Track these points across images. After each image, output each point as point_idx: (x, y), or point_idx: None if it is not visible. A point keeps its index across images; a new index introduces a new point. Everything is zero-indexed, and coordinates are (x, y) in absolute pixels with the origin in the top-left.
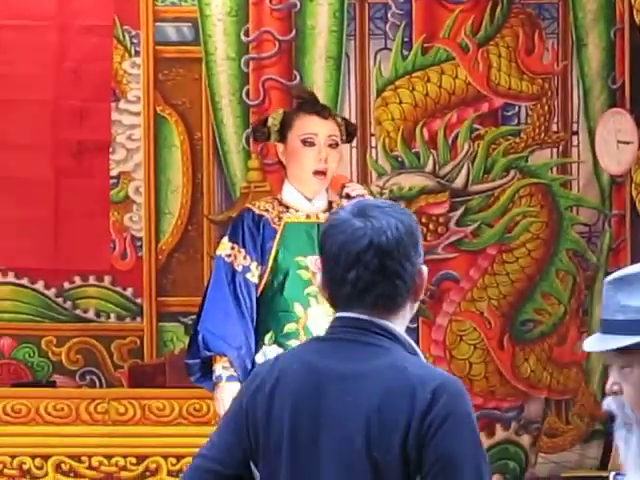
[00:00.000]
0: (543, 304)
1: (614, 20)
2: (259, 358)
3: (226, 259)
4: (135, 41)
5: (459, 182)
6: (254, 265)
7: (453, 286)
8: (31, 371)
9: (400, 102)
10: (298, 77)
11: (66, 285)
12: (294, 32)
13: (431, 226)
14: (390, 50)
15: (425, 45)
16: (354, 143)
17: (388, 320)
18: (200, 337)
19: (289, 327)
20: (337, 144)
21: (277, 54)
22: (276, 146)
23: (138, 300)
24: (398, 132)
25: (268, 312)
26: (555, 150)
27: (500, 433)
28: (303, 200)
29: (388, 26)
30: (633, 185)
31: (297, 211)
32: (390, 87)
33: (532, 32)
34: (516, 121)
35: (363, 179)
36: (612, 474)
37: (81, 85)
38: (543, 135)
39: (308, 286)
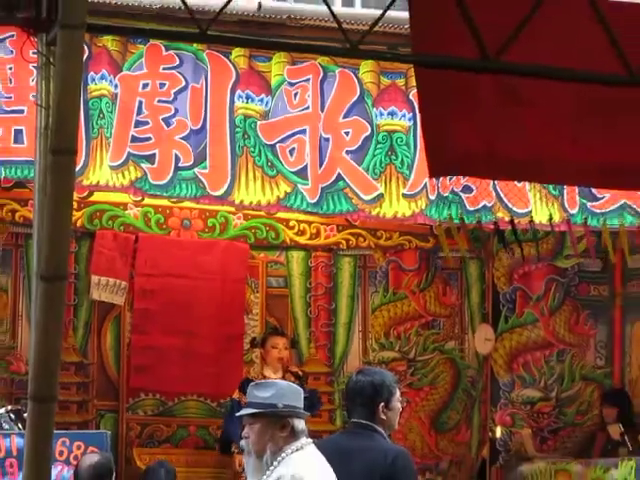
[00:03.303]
0: (450, 414)
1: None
2: None
3: (236, 399)
4: (256, 286)
5: (411, 355)
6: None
7: (406, 406)
8: (204, 442)
9: (382, 317)
10: (334, 305)
11: (221, 401)
12: (332, 283)
13: (397, 376)
14: (378, 292)
15: (394, 290)
16: (360, 336)
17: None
18: (224, 435)
19: None
20: (287, 348)
21: (324, 293)
22: (319, 338)
23: None
24: (382, 331)
25: None
26: (457, 341)
27: (428, 475)
28: (272, 373)
29: (377, 281)
30: (492, 360)
31: (269, 378)
32: (377, 310)
33: (445, 286)
34: (438, 328)
35: (364, 353)
36: None
37: (231, 306)
38: (451, 333)
39: None
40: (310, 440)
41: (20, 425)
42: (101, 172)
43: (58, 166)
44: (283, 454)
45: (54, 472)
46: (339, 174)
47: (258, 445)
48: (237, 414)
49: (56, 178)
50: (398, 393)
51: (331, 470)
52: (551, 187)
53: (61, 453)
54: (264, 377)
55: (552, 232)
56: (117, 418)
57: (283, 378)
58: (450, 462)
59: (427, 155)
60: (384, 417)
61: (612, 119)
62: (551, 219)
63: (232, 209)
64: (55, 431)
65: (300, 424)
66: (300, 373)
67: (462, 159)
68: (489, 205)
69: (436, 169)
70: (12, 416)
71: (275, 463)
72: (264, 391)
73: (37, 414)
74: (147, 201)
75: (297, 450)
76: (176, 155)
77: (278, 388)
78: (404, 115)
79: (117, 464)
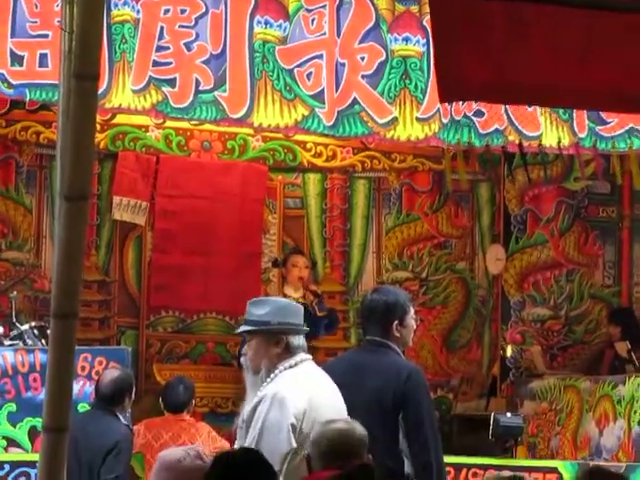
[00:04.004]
0: (461, 332)
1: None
2: None
3: None
4: (274, 206)
5: (424, 275)
6: None
7: (419, 325)
8: (221, 358)
9: (396, 238)
10: (349, 225)
11: (239, 318)
12: (347, 204)
13: (411, 295)
14: (391, 214)
15: (407, 212)
16: (374, 256)
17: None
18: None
19: None
20: (307, 267)
21: (339, 214)
22: (334, 257)
23: None
24: (395, 252)
25: None
26: (468, 261)
27: (439, 392)
28: (292, 292)
29: (391, 203)
30: (502, 280)
31: (290, 296)
32: (391, 231)
33: (457, 207)
34: (450, 248)
35: (378, 273)
36: (493, 413)
37: (249, 226)
38: (462, 254)
39: None
40: (308, 356)
41: (43, 341)
42: (123, 95)
43: (81, 90)
44: (277, 371)
45: (76, 387)
46: (355, 98)
47: (254, 362)
48: (235, 331)
49: (79, 102)
50: (412, 311)
51: (330, 387)
52: (561, 111)
53: (83, 368)
54: (284, 296)
55: (561, 155)
56: (137, 335)
57: (303, 297)
58: (461, 379)
59: (438, 80)
60: (398, 334)
61: (621, 44)
62: (560, 142)
63: (251, 131)
64: (77, 347)
65: (296, 340)
66: (319, 292)
67: (472, 84)
68: (500, 128)
69: (447, 94)
70: (35, 332)
71: (268, 380)
72: (260, 308)
73: (59, 331)
74: (168, 123)
75: (290, 367)
76: (196, 79)
77: (273, 305)
78: (418, 41)
79: (137, 379)
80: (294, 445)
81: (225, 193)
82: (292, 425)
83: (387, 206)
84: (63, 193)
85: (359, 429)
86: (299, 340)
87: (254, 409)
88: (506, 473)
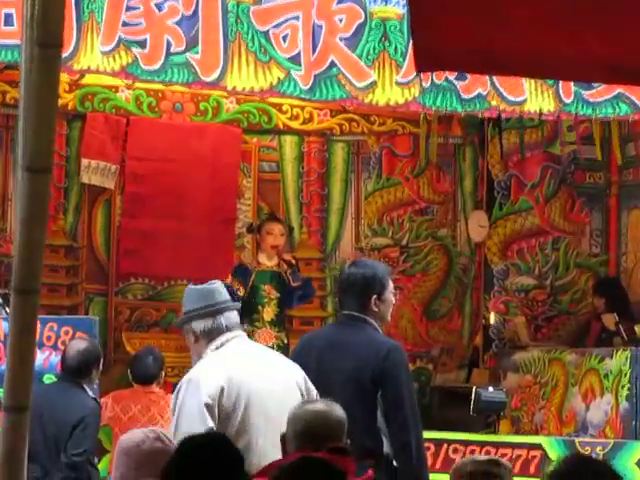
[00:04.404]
0: (442, 301)
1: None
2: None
3: (229, 283)
4: (249, 171)
5: (404, 242)
6: (241, 287)
7: (399, 292)
8: None
9: (375, 203)
10: (327, 190)
11: None
12: (325, 168)
13: (390, 263)
14: (371, 178)
15: (387, 176)
16: (353, 222)
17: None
18: None
19: (254, 316)
20: (283, 235)
21: (316, 178)
22: (311, 223)
23: None
24: (374, 217)
25: (246, 309)
26: (450, 228)
27: (418, 363)
28: (266, 260)
29: (370, 167)
30: (485, 247)
31: (263, 264)
32: (370, 196)
33: (438, 172)
34: (431, 214)
35: (357, 239)
36: (474, 388)
37: (223, 190)
38: (444, 220)
39: (264, 298)
40: (235, 334)
41: (7, 309)
42: (92, 56)
43: (44, 58)
44: (203, 356)
45: (41, 357)
46: (332, 61)
47: (192, 357)
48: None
49: (41, 70)
50: (391, 285)
51: (262, 358)
52: None
53: (49, 338)
54: (258, 263)
55: (544, 121)
56: (106, 302)
57: (277, 265)
58: (441, 350)
59: (414, 49)
60: (376, 309)
61: (612, 15)
62: (542, 109)
63: (224, 93)
64: (43, 316)
65: (203, 324)
66: (293, 261)
67: (450, 53)
68: (483, 93)
69: (423, 63)
70: (0, 300)
71: None
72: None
73: (20, 307)
74: (139, 84)
75: (217, 349)
76: (167, 40)
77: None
78: (397, 2)
79: (106, 348)
80: (210, 424)
81: (198, 156)
82: (207, 405)
83: (366, 170)
84: (24, 164)
85: (337, 411)
86: (210, 322)
87: (175, 399)
88: (482, 457)
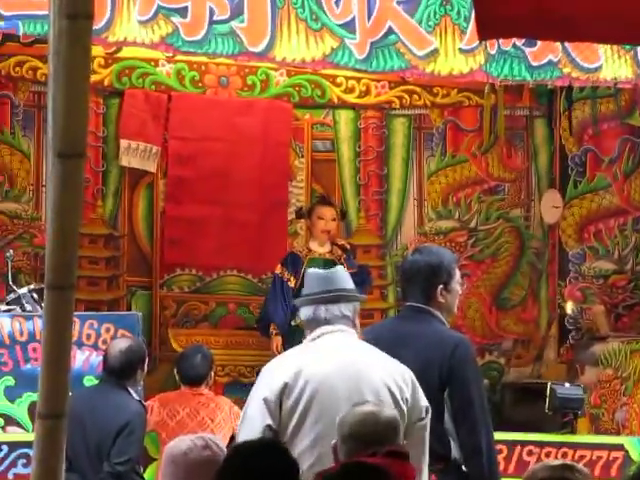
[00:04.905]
0: (514, 289)
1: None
2: (293, 323)
3: (279, 274)
4: (301, 150)
5: (472, 225)
6: (292, 278)
7: (466, 279)
8: (244, 321)
9: (440, 183)
10: (386, 170)
11: (263, 276)
12: (384, 146)
13: (456, 247)
14: (434, 156)
15: (453, 153)
16: (415, 204)
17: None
18: (262, 314)
19: None
20: (335, 219)
21: (375, 158)
22: (369, 206)
23: None
24: (439, 199)
25: None
26: (523, 208)
27: (488, 357)
28: (318, 247)
29: (433, 144)
30: (559, 229)
31: (315, 252)
32: (434, 175)
33: (509, 147)
34: (503, 193)
35: (420, 223)
36: (549, 384)
37: (273, 172)
38: (517, 200)
39: None
40: (329, 329)
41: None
42: (129, 27)
43: (73, 31)
44: None
45: (81, 358)
46: (390, 27)
47: None
48: None
49: (71, 45)
50: (458, 274)
51: (342, 361)
52: None
53: (89, 337)
54: (309, 251)
55: (621, 90)
56: (150, 296)
57: (330, 252)
58: (515, 341)
59: (476, 15)
60: (442, 300)
61: None
62: (619, 77)
63: (274, 65)
64: (82, 313)
65: (304, 314)
66: (347, 246)
67: (513, 19)
68: (554, 60)
69: (485, 30)
70: (35, 296)
71: None
72: None
73: (54, 304)
74: (180, 57)
75: (311, 340)
76: (210, 8)
77: None
78: None
79: (151, 346)
80: (268, 422)
81: (246, 135)
82: (265, 399)
83: (429, 147)
84: (55, 149)
85: (387, 411)
86: (311, 311)
87: None
88: (556, 462)
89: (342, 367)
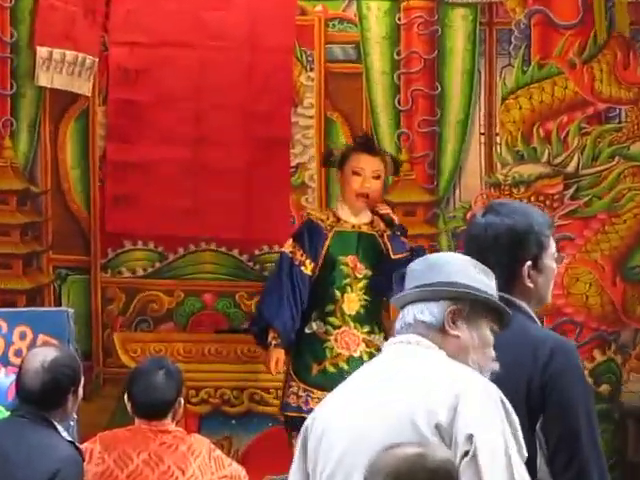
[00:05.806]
0: None
1: None
2: (307, 329)
3: (288, 254)
4: (310, 59)
5: (571, 168)
6: (308, 261)
7: (568, 244)
8: (228, 320)
9: (520, 108)
10: (440, 88)
11: (256, 252)
12: (436, 52)
13: (547, 202)
14: (513, 66)
15: (541, 62)
16: (483, 140)
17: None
18: (258, 312)
19: (329, 307)
20: (379, 177)
21: (422, 69)
22: (415, 144)
23: None
24: (518, 131)
25: (315, 296)
26: None
27: (609, 353)
28: (350, 215)
29: (512, 47)
30: None
31: (345, 222)
32: (512, 96)
33: (627, 51)
34: (617, 120)
35: (489, 169)
36: None
37: (267, 94)
38: (638, 130)
39: (346, 278)
40: (397, 339)
41: None
42: None
43: None
44: None
45: None
46: None
47: None
48: None
49: None
50: (553, 245)
51: (365, 385)
52: None
53: None
54: (337, 220)
55: None
56: (87, 282)
57: (370, 225)
58: (637, 331)
59: None
60: (530, 284)
61: None
62: None
63: None
64: None
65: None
66: (395, 218)
67: None
68: None
69: None
70: None
71: None
72: None
73: None
74: None
75: None
76: None
77: None
78: None
79: (89, 359)
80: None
81: (225, 38)
82: (301, 442)
83: (505, 53)
84: None
85: (438, 455)
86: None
87: None
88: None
89: (357, 396)
